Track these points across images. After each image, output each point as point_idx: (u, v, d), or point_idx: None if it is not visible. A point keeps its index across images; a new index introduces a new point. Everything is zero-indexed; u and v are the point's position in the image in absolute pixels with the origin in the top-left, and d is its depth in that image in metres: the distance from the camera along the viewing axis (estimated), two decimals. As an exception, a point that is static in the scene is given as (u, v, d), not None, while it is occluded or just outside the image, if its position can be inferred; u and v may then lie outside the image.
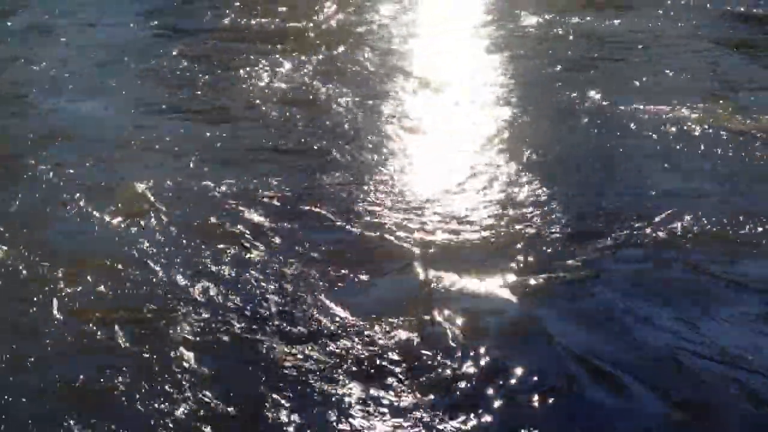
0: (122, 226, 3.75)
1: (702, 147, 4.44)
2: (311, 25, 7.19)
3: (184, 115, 5.19)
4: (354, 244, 3.55)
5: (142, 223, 3.75)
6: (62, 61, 6.34)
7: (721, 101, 5.11)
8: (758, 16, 7.34)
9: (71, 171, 4.35)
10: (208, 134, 4.82)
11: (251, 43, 6.62)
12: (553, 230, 3.61)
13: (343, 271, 3.34)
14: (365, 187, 4.06)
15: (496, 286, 3.21)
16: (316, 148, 4.57)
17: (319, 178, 4.19)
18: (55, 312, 3.11)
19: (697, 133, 4.61)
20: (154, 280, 3.30)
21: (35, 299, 3.19)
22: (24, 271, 3.39)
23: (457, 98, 5.37)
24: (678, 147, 4.45)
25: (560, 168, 4.26)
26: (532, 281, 3.23)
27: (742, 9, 7.58)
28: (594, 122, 4.84)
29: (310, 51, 6.36)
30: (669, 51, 6.29)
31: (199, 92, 5.55)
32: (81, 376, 2.75)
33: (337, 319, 3.03)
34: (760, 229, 3.55)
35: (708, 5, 7.74)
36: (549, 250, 3.45)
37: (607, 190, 3.99)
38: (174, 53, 6.42)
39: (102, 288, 3.26)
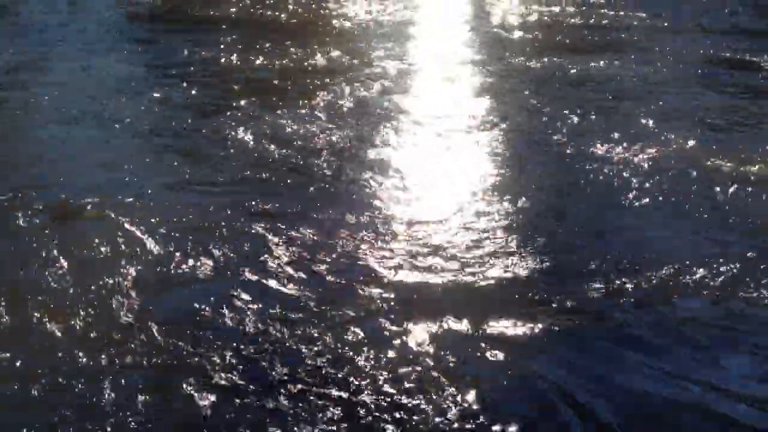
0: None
1: (692, 191, 4.40)
2: (299, 65, 7.18)
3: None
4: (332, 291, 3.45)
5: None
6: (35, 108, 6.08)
7: (708, 144, 5.11)
8: (742, 61, 7.42)
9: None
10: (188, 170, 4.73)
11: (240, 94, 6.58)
12: (540, 275, 3.52)
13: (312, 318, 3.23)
14: (344, 230, 3.97)
15: (480, 331, 3.11)
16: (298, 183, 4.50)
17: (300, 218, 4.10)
18: None
19: (689, 177, 4.58)
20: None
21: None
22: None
23: (443, 138, 5.32)
24: (667, 191, 4.40)
25: (548, 212, 4.19)
26: (518, 329, 3.13)
27: (726, 54, 7.68)
28: (582, 165, 4.79)
29: (298, 97, 6.33)
30: (656, 94, 6.32)
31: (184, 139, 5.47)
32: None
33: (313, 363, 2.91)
34: (754, 279, 3.49)
35: (693, 50, 7.84)
36: (536, 297, 3.36)
37: (595, 234, 3.92)
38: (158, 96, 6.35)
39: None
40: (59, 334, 3.05)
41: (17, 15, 9.40)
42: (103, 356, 2.91)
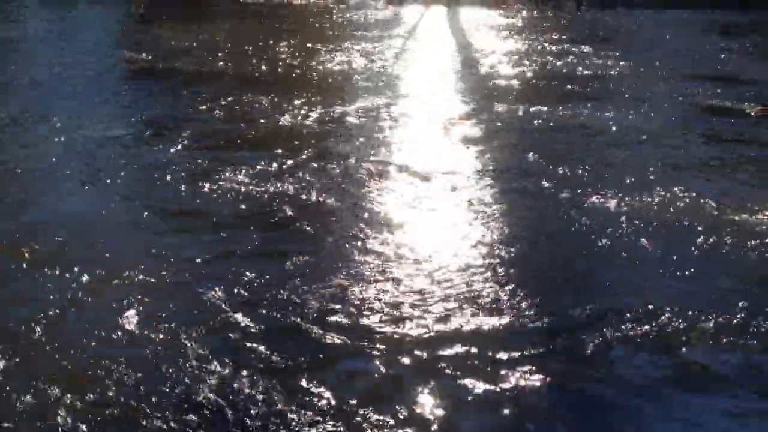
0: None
1: (687, 240, 4.39)
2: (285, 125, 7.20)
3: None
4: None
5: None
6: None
7: (702, 192, 5.12)
8: (729, 109, 7.53)
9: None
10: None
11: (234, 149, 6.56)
12: (536, 326, 3.47)
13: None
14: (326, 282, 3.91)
15: (477, 384, 3.04)
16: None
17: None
18: None
19: (684, 226, 4.58)
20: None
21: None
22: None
23: (431, 189, 5.29)
24: (663, 240, 4.39)
25: (541, 263, 4.16)
26: (519, 380, 3.07)
27: (714, 101, 7.79)
28: (575, 215, 4.78)
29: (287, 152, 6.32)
30: (646, 142, 6.38)
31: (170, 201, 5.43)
32: None
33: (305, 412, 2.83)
34: (754, 327, 3.45)
35: (680, 98, 7.96)
36: (532, 350, 3.30)
37: (590, 286, 3.88)
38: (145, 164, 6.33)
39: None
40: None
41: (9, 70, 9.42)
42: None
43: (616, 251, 4.26)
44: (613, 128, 6.79)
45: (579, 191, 5.15)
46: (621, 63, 10.01)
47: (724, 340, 3.36)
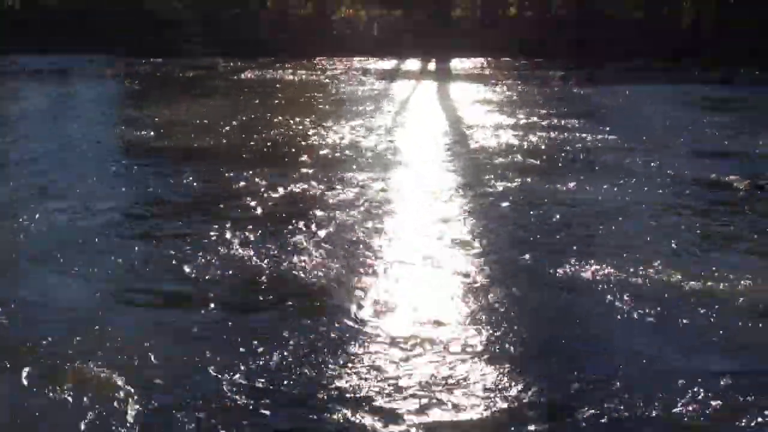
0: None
1: (676, 313, 4.36)
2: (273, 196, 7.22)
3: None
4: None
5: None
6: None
7: (692, 265, 5.12)
8: (715, 182, 7.61)
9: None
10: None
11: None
12: (533, 401, 3.40)
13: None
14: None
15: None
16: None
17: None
18: None
19: (673, 299, 4.56)
20: None
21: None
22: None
23: (418, 262, 5.27)
24: (654, 314, 4.36)
25: (535, 340, 4.11)
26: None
27: (700, 174, 7.88)
28: (566, 290, 4.76)
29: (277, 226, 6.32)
30: (634, 215, 6.41)
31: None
32: None
33: None
34: (739, 400, 3.40)
35: (665, 171, 8.04)
36: (531, 427, 3.22)
37: (583, 361, 3.83)
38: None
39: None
40: None
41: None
42: None
43: (607, 326, 4.24)
44: (602, 202, 6.83)
45: (568, 265, 5.14)
46: (609, 137, 10.17)
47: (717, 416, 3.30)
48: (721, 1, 28.06)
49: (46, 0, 31.34)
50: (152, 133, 10.41)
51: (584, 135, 10.36)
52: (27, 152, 8.98)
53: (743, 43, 23.70)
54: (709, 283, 4.81)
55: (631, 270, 5.03)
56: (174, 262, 5.25)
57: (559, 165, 8.44)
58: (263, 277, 4.99)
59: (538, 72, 19.84)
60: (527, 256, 5.36)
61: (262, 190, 7.25)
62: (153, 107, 12.99)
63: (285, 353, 3.85)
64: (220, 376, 3.60)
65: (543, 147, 9.56)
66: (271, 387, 3.52)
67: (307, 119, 11.74)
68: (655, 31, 26.12)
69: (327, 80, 18.25)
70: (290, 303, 4.56)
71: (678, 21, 27.15)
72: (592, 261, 5.21)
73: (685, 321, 4.29)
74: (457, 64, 22.16)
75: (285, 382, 3.57)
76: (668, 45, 24.60)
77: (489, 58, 23.49)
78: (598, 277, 4.94)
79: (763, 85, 17.30)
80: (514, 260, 5.32)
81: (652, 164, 8.43)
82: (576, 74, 18.41)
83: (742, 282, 4.83)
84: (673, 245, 5.62)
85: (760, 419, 3.27)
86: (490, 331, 4.17)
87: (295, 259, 5.31)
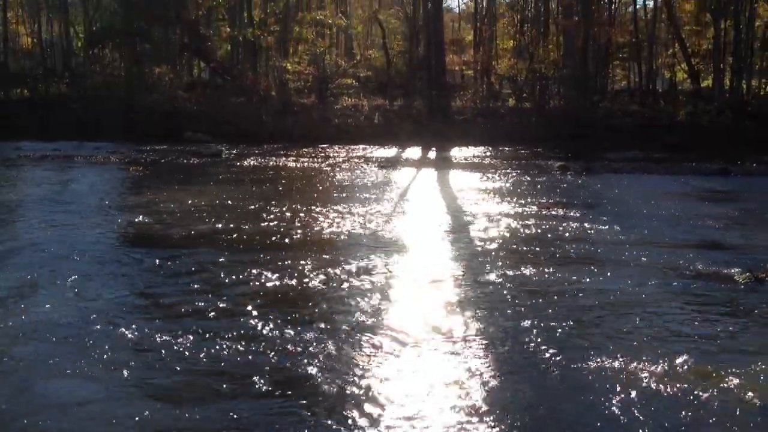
0: None
1: (676, 406, 4.29)
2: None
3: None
4: None
5: None
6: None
7: (691, 360, 5.07)
8: (714, 275, 7.57)
9: None
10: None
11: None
12: None
13: None
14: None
15: None
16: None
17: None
18: None
19: (673, 393, 4.50)
20: None
21: None
22: None
23: (420, 354, 5.23)
24: (654, 408, 4.29)
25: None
26: None
27: (699, 267, 7.85)
28: (568, 381, 4.71)
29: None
30: (635, 308, 6.37)
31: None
32: None
33: None
34: None
35: (665, 264, 8.02)
36: None
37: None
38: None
39: None
40: None
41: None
42: None
43: (611, 416, 4.18)
44: (601, 294, 6.81)
45: (566, 356, 5.13)
46: (606, 228, 10.19)
47: None
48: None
49: (58, 88, 32.06)
50: (153, 220, 10.47)
51: (583, 225, 10.39)
52: (26, 241, 9.03)
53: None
54: (707, 375, 4.77)
55: (629, 362, 5.01)
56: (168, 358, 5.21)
57: (557, 255, 8.43)
58: (259, 374, 4.94)
59: (537, 161, 20.10)
60: (529, 347, 5.35)
61: (262, 278, 7.24)
62: (154, 194, 13.11)
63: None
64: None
65: (541, 237, 9.57)
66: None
67: (307, 207, 11.81)
68: (651, 125, 26.62)
69: (328, 168, 18.47)
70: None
71: (674, 115, 27.73)
72: (597, 352, 5.21)
73: (678, 412, 4.21)
74: (457, 152, 22.49)
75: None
76: (665, 136, 24.99)
77: (489, 147, 23.85)
78: (595, 373, 4.88)
79: (761, 176, 17.50)
80: (514, 352, 5.30)
81: (651, 256, 8.41)
82: (574, 164, 18.64)
83: (745, 375, 4.78)
84: (669, 338, 5.60)
85: None
86: (489, 420, 4.11)
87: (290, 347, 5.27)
